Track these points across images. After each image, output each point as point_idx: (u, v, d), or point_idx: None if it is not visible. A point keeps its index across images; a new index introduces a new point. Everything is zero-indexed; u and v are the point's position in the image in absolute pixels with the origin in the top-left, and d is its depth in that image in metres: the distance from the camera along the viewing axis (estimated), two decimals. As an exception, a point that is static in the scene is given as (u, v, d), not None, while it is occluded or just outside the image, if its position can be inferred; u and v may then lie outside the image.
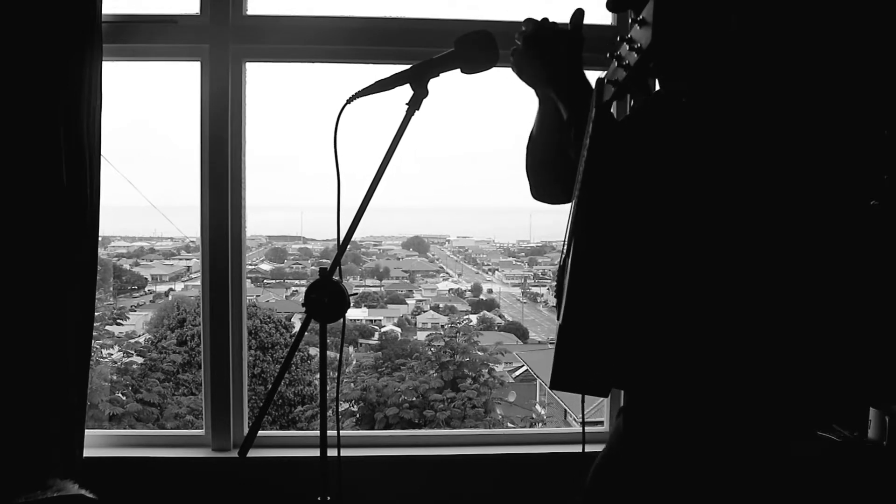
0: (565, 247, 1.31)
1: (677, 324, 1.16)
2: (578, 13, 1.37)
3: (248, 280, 2.57)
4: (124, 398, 5.47)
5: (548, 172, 1.51)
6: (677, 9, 0.96)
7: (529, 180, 1.56)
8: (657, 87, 1.36)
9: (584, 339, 1.18)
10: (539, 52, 1.37)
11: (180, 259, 7.37)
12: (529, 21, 1.40)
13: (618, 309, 1.16)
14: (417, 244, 8.40)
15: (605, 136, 1.14)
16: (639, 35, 0.94)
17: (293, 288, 7.58)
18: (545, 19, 1.39)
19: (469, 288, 7.95)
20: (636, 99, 1.24)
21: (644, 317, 1.17)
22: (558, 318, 1.37)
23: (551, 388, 1.29)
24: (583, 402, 1.39)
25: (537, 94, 1.47)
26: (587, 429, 2.68)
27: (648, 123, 1.24)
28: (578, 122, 1.28)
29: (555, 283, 1.49)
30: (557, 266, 1.48)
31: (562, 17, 1.42)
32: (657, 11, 0.89)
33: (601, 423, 2.58)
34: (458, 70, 1.35)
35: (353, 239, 1.30)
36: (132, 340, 6.03)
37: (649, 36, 0.89)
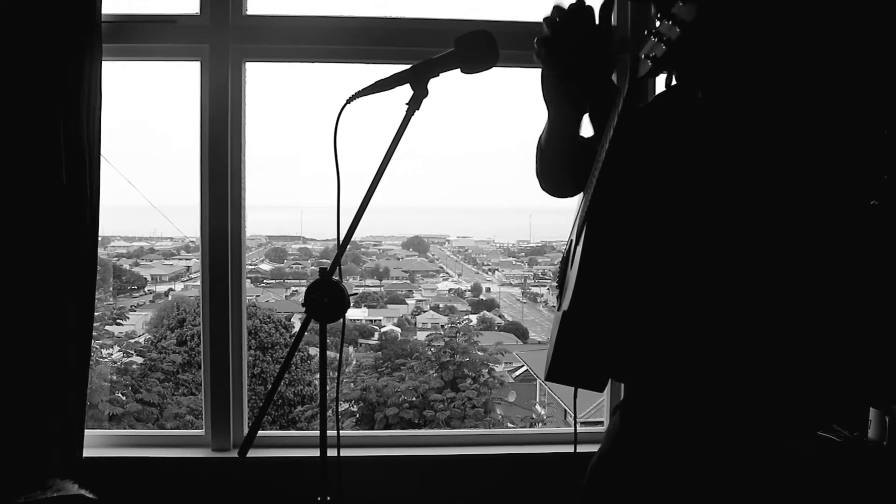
0: (574, 235, 1.28)
1: (681, 316, 1.16)
2: (608, 4, 1.30)
3: (248, 280, 2.57)
4: (124, 398, 5.46)
5: (558, 175, 1.48)
6: None
7: (539, 181, 1.54)
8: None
9: (589, 326, 1.15)
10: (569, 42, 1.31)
11: (180, 259, 7.36)
12: (557, 8, 1.33)
13: (625, 299, 1.15)
14: (417, 244, 8.40)
15: (629, 123, 1.13)
16: (682, 11, 0.97)
17: (293, 288, 7.57)
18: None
19: (469, 288, 7.95)
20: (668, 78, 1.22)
21: (648, 308, 1.17)
22: (559, 308, 1.34)
23: (547, 379, 1.23)
24: (575, 397, 1.34)
25: (546, 99, 1.41)
26: (588, 429, 2.69)
27: (665, 115, 1.24)
28: (601, 114, 1.26)
29: (556, 282, 1.47)
30: (561, 256, 1.45)
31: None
32: None
33: (601, 423, 2.58)
34: (459, 70, 1.34)
35: (353, 239, 1.30)
36: (132, 340, 6.02)
37: (694, 11, 0.94)
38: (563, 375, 1.19)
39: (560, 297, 1.38)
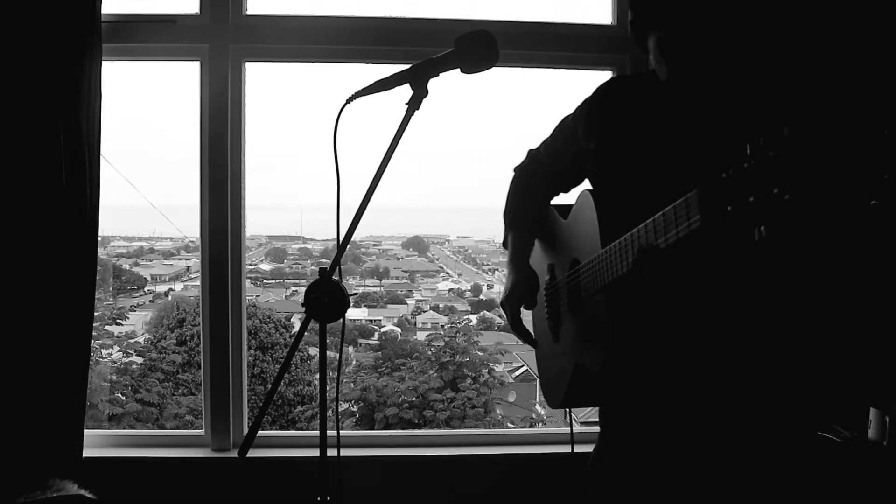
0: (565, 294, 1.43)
1: (686, 318, 1.18)
2: None
3: (248, 280, 2.57)
4: (124, 398, 5.46)
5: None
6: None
7: None
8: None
9: (608, 382, 1.31)
10: None
11: (180, 259, 7.35)
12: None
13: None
14: (417, 244, 8.39)
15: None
16: (801, 164, 0.73)
17: (293, 288, 7.56)
18: None
19: (469, 288, 7.93)
20: None
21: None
22: (556, 340, 1.43)
23: (558, 407, 1.50)
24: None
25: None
26: (589, 429, 2.69)
27: None
28: None
29: (546, 312, 1.53)
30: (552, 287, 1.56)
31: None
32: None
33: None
34: (458, 70, 1.34)
35: (352, 239, 1.30)
36: (132, 340, 6.01)
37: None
38: (574, 405, 1.53)
39: (556, 330, 1.45)
